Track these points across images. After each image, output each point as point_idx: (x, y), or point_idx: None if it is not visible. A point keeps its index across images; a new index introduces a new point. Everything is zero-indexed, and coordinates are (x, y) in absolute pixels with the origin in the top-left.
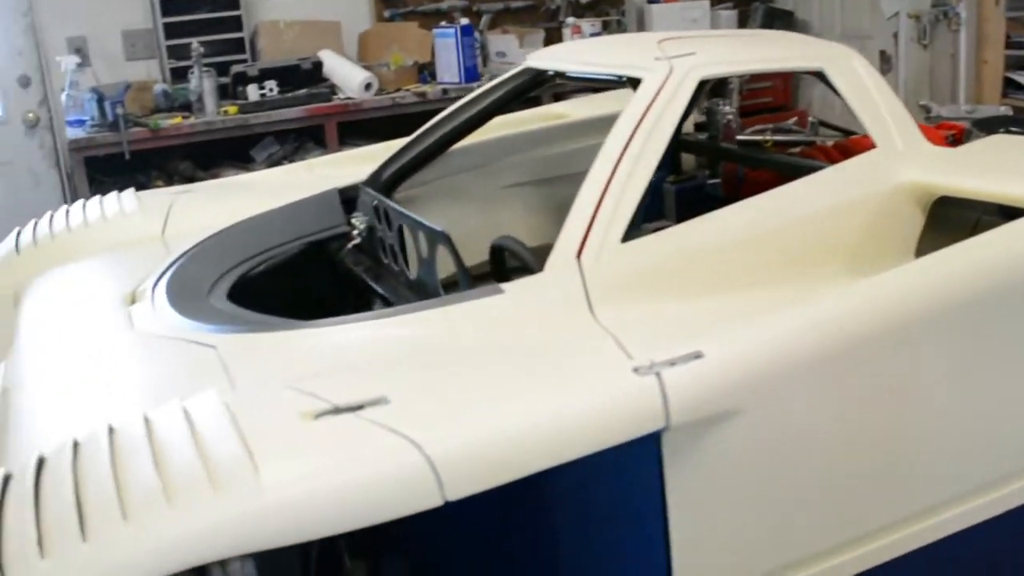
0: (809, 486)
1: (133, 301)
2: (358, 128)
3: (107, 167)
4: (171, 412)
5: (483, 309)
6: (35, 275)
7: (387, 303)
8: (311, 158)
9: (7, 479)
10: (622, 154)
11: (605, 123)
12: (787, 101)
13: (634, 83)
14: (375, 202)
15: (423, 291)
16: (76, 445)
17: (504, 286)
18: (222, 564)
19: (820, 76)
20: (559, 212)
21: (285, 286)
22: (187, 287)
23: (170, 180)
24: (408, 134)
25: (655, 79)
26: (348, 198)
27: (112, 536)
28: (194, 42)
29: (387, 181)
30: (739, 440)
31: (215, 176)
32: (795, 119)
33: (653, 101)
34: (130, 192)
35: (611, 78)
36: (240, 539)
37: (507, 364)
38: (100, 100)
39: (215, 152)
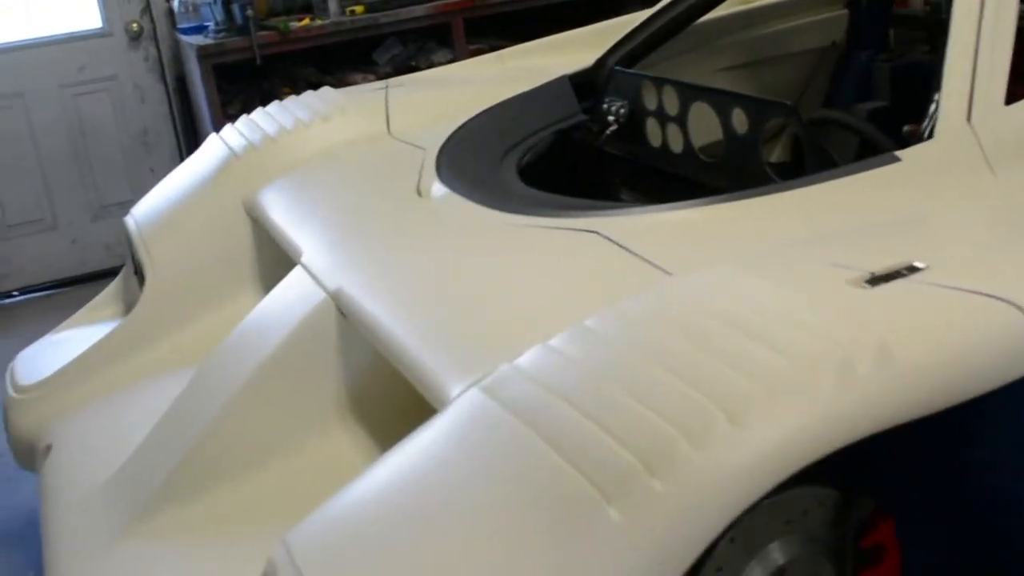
0: None
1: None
2: (482, 26)
3: (229, 75)
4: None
5: (888, 177)
6: (262, 179)
7: (670, 190)
8: (435, 58)
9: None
10: (981, 12)
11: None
12: None
13: None
14: (642, 84)
15: (740, 173)
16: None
17: (900, 154)
18: None
19: None
20: (777, 95)
21: (555, 174)
22: (478, 178)
23: (294, 87)
24: (533, 32)
25: None
26: (577, 84)
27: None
28: None
29: (620, 63)
30: None
31: (343, 83)
32: None
33: None
34: (327, 90)
35: None
36: (873, 419)
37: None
38: (227, 2)
39: (336, 56)
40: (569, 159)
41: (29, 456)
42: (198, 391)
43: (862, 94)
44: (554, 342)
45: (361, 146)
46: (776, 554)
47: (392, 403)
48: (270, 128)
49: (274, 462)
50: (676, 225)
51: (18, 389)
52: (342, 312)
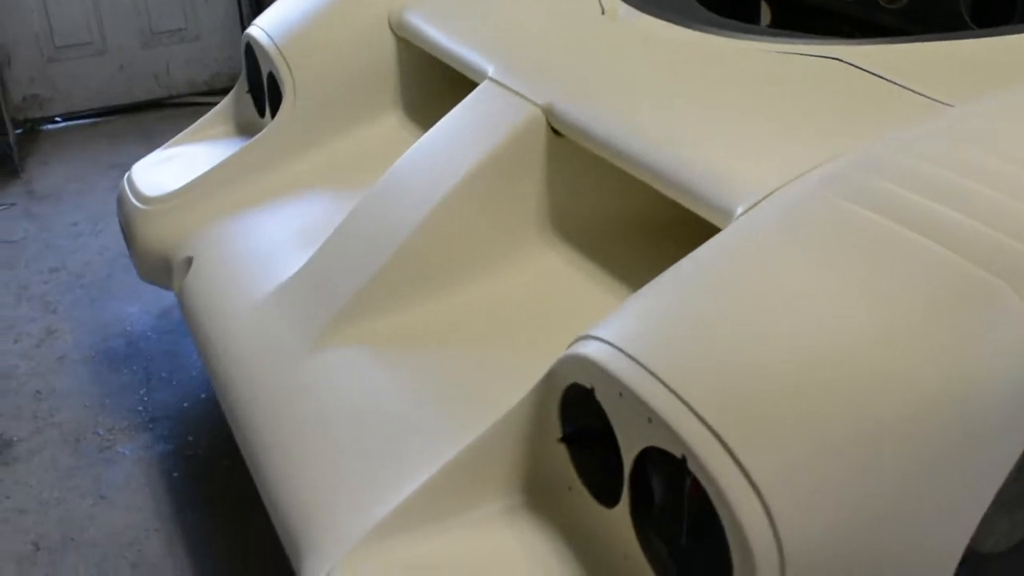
0: None
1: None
2: None
3: None
4: None
5: None
6: None
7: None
8: None
9: None
10: None
11: None
12: None
13: None
14: None
15: (928, 19)
16: None
17: None
18: None
19: None
20: None
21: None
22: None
23: None
24: None
25: None
26: None
27: None
28: None
29: None
30: None
31: None
32: None
33: None
34: None
35: None
36: None
37: None
38: None
39: None
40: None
41: (161, 270)
42: (383, 203)
43: None
44: (849, 162)
45: None
46: None
47: (604, 223)
48: None
49: (479, 277)
50: (927, 57)
51: (145, 200)
52: (554, 129)
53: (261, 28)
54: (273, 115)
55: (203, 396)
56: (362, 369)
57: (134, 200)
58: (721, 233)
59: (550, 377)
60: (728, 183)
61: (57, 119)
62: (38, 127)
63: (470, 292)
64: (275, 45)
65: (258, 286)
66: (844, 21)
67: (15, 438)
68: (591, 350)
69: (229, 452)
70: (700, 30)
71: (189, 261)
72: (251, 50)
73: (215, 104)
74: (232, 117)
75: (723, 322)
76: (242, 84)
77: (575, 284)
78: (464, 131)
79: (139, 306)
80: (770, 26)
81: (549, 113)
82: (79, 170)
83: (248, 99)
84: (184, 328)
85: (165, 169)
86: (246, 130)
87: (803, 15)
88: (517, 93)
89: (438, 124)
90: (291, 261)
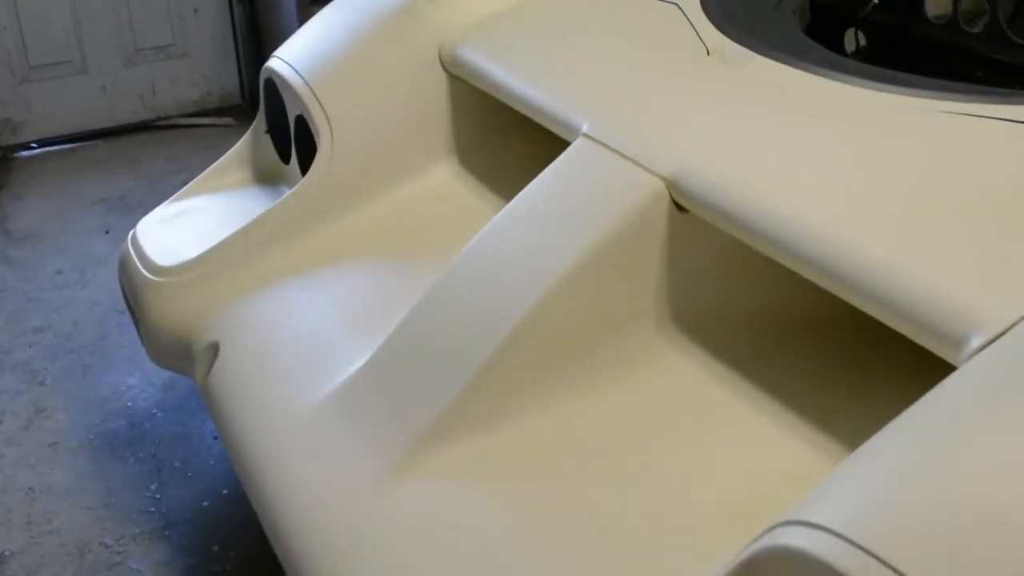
0: None
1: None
2: None
3: None
4: None
5: None
6: (457, 28)
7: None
8: None
9: None
10: None
11: None
12: None
13: None
14: None
15: None
16: None
17: None
18: None
19: None
20: None
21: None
22: (770, 37)
23: None
24: None
25: None
26: None
27: None
28: None
29: None
30: None
31: None
32: None
33: None
34: None
35: None
36: None
37: None
38: None
39: None
40: (822, 27)
41: (178, 355)
42: (466, 289)
43: None
44: None
45: None
46: None
47: (737, 315)
48: None
49: (594, 383)
50: None
51: (158, 271)
52: (677, 204)
53: (286, 62)
54: (301, 161)
55: (225, 492)
56: (456, 507)
57: (144, 270)
58: (954, 377)
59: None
60: (950, 302)
61: (32, 145)
62: (11, 155)
63: (584, 402)
64: (307, 85)
65: (308, 387)
66: (962, 58)
67: (7, 551)
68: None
69: (267, 566)
70: (840, 80)
71: (215, 348)
72: (272, 85)
73: (206, 126)
74: (249, 161)
75: (979, 508)
76: (260, 124)
77: (707, 393)
78: (561, 203)
79: (139, 375)
80: (857, 57)
81: (673, 186)
82: (60, 205)
83: (268, 141)
84: (195, 405)
85: (177, 229)
86: (268, 178)
87: (905, 47)
88: (626, 157)
89: (525, 192)
90: (346, 353)
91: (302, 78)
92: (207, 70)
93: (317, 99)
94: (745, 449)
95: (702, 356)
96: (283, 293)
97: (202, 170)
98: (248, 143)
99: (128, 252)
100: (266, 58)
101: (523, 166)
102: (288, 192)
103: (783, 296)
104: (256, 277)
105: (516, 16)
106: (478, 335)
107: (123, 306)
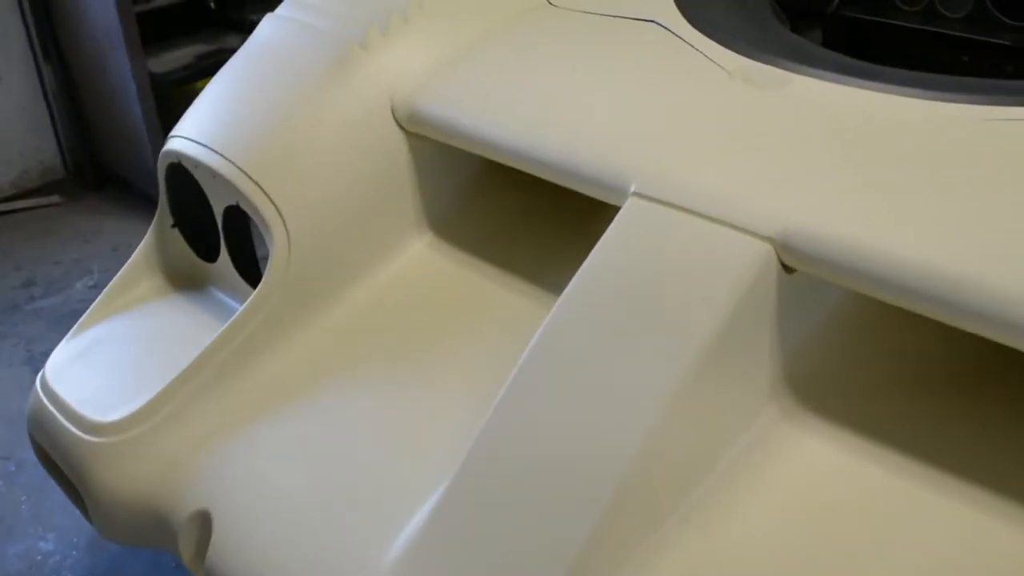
0: None
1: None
2: None
3: None
4: None
5: None
6: (407, 78)
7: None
8: None
9: None
10: None
11: None
12: None
13: None
14: None
15: None
16: None
17: None
18: None
19: None
20: None
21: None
22: (783, 48)
23: None
24: None
25: None
26: None
27: None
28: None
29: None
30: None
31: None
32: None
33: None
34: None
35: None
36: None
37: None
38: None
39: None
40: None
41: (146, 530)
42: (541, 424)
43: None
44: None
45: (533, 24)
46: None
47: (872, 382)
48: (371, 5)
49: (728, 496)
50: None
51: (95, 429)
52: (785, 265)
53: (199, 143)
54: (233, 257)
55: None
56: None
57: (76, 430)
58: None
59: None
60: None
61: None
62: None
63: (719, 527)
64: (242, 171)
65: (360, 555)
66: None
67: None
68: None
69: None
70: (893, 92)
71: (204, 517)
72: (179, 171)
73: (30, 208)
74: (158, 265)
75: None
76: (164, 218)
77: (865, 482)
78: (639, 289)
79: (54, 538)
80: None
81: (782, 247)
82: None
83: (177, 237)
84: (139, 565)
85: (95, 369)
86: (188, 282)
87: (881, 38)
88: (713, 219)
89: (580, 279)
90: (387, 499)
91: (232, 163)
92: (21, 146)
93: (261, 188)
94: (946, 542)
95: (841, 434)
96: (271, 430)
97: (35, 263)
98: (151, 243)
99: (43, 406)
100: (89, 121)
101: (506, 229)
102: (241, 306)
103: (918, 348)
104: (229, 415)
105: (476, 59)
106: (578, 488)
107: None
